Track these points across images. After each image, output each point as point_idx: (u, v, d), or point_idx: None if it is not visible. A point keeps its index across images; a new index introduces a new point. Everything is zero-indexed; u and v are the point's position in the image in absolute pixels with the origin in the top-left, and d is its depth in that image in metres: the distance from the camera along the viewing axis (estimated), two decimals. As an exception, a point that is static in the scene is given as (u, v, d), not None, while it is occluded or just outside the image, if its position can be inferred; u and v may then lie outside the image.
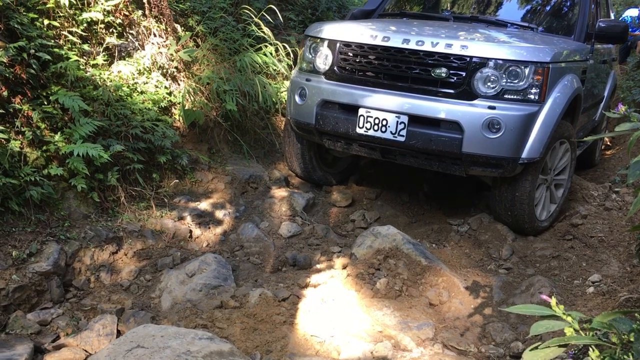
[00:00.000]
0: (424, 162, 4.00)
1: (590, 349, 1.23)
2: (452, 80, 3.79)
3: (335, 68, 4.16)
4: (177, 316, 3.03)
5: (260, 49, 5.36)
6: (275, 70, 5.41)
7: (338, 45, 4.15)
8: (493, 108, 3.68)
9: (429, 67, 3.84)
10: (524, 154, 3.77)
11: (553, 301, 1.30)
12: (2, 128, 3.20)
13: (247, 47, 5.28)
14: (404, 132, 3.83)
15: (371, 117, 3.91)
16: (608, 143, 7.41)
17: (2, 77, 3.29)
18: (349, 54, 4.13)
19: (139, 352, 2.28)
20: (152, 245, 3.65)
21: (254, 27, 5.33)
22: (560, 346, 1.23)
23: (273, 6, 5.43)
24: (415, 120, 3.82)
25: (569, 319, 1.26)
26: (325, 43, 4.23)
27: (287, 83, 5.63)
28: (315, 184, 4.95)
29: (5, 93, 3.31)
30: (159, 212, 3.87)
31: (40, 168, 3.35)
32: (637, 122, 1.52)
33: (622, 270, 3.56)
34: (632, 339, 1.20)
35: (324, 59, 4.23)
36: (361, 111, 3.95)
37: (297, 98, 4.29)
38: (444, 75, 3.79)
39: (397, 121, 3.84)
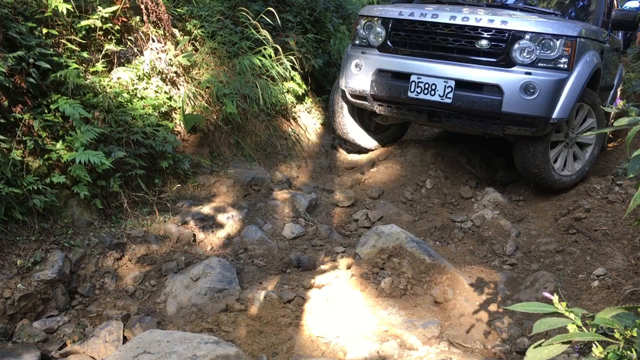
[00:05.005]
0: (466, 123, 4.58)
1: (594, 345, 1.23)
2: (493, 50, 4.40)
3: (389, 42, 4.81)
4: (183, 320, 3.04)
5: (260, 51, 5.36)
6: (276, 72, 5.41)
7: (391, 22, 4.79)
8: (529, 74, 4.28)
9: (473, 39, 4.45)
10: (555, 114, 4.32)
11: (555, 298, 1.30)
12: (4, 138, 3.21)
13: (246, 50, 5.28)
14: (450, 95, 4.42)
15: (422, 82, 4.52)
16: (610, 136, 7.38)
17: (2, 87, 3.30)
18: (401, 30, 4.75)
19: (146, 357, 2.29)
20: (156, 250, 3.66)
21: (252, 30, 5.33)
22: (563, 343, 1.23)
23: (271, 8, 5.43)
24: (461, 84, 4.42)
25: (572, 315, 1.26)
26: (380, 21, 4.87)
27: (287, 85, 5.65)
28: (361, 148, 5.69)
29: (5, 103, 3.33)
30: (162, 217, 3.88)
31: (42, 176, 3.36)
32: (636, 117, 1.51)
33: (626, 263, 3.55)
34: (635, 334, 1.20)
35: (377, 34, 4.87)
36: (413, 77, 4.57)
37: (353, 68, 4.92)
38: (486, 46, 4.41)
39: (445, 85, 4.43)
